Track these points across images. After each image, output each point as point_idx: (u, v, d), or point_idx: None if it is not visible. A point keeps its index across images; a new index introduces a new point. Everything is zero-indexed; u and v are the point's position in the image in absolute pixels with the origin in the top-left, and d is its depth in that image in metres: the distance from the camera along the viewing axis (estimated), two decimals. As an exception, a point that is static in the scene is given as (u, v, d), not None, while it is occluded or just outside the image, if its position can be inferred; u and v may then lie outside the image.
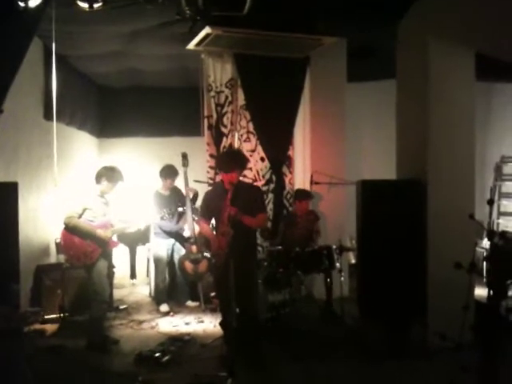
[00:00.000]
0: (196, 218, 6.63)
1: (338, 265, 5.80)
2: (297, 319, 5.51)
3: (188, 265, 6.50)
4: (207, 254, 6.50)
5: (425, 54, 5.10)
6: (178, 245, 6.78)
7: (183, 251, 6.67)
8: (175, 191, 6.80)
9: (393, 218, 5.04)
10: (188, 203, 6.58)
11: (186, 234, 6.62)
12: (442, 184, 5.11)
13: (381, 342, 4.96)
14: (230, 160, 4.61)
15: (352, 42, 6.92)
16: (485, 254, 6.69)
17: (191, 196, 6.67)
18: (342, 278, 5.83)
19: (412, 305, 5.05)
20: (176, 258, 6.77)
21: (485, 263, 6.46)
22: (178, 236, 6.73)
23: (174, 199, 6.73)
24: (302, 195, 6.51)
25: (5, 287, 3.88)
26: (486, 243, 6.88)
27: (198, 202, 6.96)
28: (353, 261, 7.28)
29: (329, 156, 7.14)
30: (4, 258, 4.12)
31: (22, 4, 3.90)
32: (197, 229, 6.59)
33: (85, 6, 4.15)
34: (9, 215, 4.30)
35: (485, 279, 4.96)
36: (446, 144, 5.16)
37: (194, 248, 6.52)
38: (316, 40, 6.38)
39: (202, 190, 6.78)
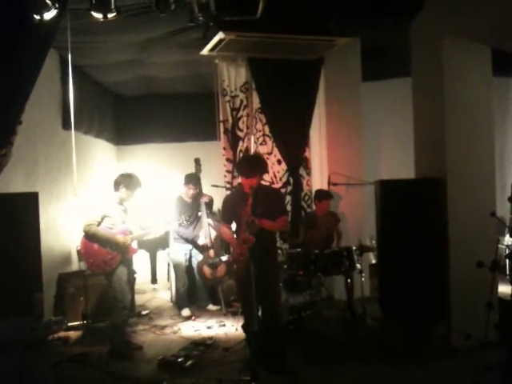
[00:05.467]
0: (212, 224, 6.65)
1: (358, 265, 5.77)
2: (318, 321, 5.49)
3: (206, 269, 6.53)
4: (225, 258, 6.52)
5: (440, 52, 5.06)
6: (195, 250, 6.80)
7: (201, 256, 6.69)
8: (197, 200, 6.76)
9: (413, 217, 5.01)
10: (203, 209, 6.61)
11: (201, 241, 6.63)
12: (461, 182, 5.07)
13: (403, 342, 4.92)
14: (251, 165, 4.59)
15: (366, 41, 6.88)
16: (507, 251, 6.61)
17: (207, 201, 6.69)
18: (363, 279, 5.80)
19: (434, 304, 5.01)
20: (194, 262, 6.80)
21: (507, 260, 6.42)
22: (195, 242, 6.76)
23: (196, 207, 6.75)
24: (322, 195, 6.48)
25: (29, 297, 3.92)
26: (508, 240, 6.79)
27: (214, 208, 7.01)
28: (373, 261, 7.25)
29: (346, 156, 7.11)
30: (27, 267, 4.17)
31: (37, 17, 3.95)
32: (213, 234, 6.62)
33: (99, 16, 4.17)
34: (30, 225, 4.35)
35: (508, 276, 4.91)
36: (465, 141, 5.11)
37: (211, 253, 6.55)
38: (329, 41, 6.37)
39: (220, 194, 6.82)
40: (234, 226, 4.87)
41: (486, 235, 4.88)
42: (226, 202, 4.90)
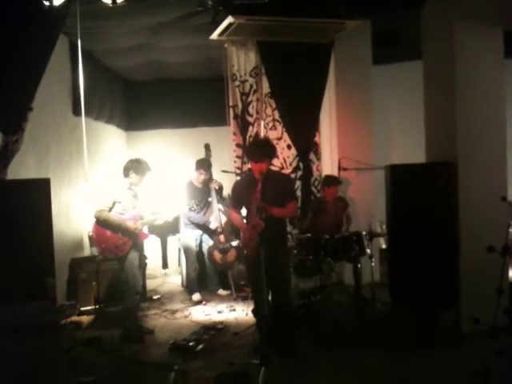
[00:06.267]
0: (222, 209, 6.67)
1: (368, 251, 5.77)
2: (328, 306, 5.52)
3: (216, 254, 6.57)
4: (235, 243, 6.55)
5: (450, 35, 4.99)
6: (206, 235, 6.84)
7: (211, 241, 6.73)
8: (208, 185, 6.77)
9: (423, 202, 4.98)
10: (213, 195, 6.63)
11: (213, 226, 6.66)
12: (472, 166, 5.02)
13: (413, 327, 4.93)
14: (260, 150, 4.57)
15: (376, 24, 6.81)
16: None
17: (216, 188, 6.70)
18: (373, 264, 5.80)
19: (444, 289, 5.00)
20: (204, 248, 6.83)
21: (518, 245, 6.37)
22: (205, 228, 6.79)
23: (206, 192, 6.76)
24: (330, 181, 6.47)
25: (41, 282, 3.97)
26: (519, 225, 6.74)
27: (224, 193, 7.03)
28: (383, 246, 7.25)
29: (356, 141, 7.08)
30: (40, 253, 4.21)
31: (46, 3, 3.95)
32: (223, 219, 6.64)
33: (108, 1, 4.19)
34: (42, 211, 4.37)
35: (519, 262, 4.87)
36: (476, 125, 5.06)
37: (221, 238, 6.58)
38: (339, 24, 6.33)
39: (230, 180, 6.83)
40: (244, 211, 4.89)
41: (497, 220, 4.85)
42: (236, 187, 4.90)
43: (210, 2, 4.49)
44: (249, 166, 5.43)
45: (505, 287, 3.97)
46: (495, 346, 3.51)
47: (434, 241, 4.97)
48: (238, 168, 7.01)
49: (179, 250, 7.74)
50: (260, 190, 4.40)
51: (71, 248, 6.70)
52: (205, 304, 6.55)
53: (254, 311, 4.92)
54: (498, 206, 4.54)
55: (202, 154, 6.80)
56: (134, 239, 5.25)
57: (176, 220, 6.78)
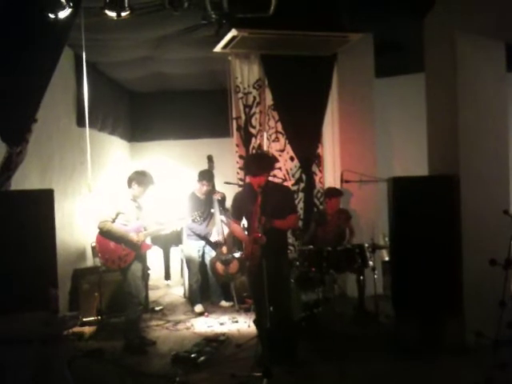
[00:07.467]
0: (225, 221, 6.68)
1: (370, 263, 5.77)
2: (331, 318, 5.50)
3: (219, 266, 6.57)
4: (237, 255, 6.55)
5: (453, 47, 5.02)
6: (208, 246, 6.84)
7: (214, 253, 6.73)
8: (210, 196, 6.78)
9: (425, 215, 4.98)
10: (216, 206, 6.64)
11: (213, 238, 6.67)
12: (475, 179, 5.03)
13: (416, 339, 4.91)
14: (257, 163, 4.56)
15: (379, 36, 6.86)
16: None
17: (219, 198, 6.72)
18: (376, 276, 5.80)
19: (447, 301, 4.98)
20: (207, 259, 6.83)
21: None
22: (207, 239, 6.79)
23: (209, 203, 6.78)
24: (332, 193, 6.48)
25: (44, 292, 3.97)
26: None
27: (227, 205, 7.05)
28: (386, 258, 7.24)
29: (359, 153, 7.09)
30: (42, 263, 4.21)
31: (52, 15, 3.99)
32: (226, 231, 6.64)
33: (113, 14, 4.23)
34: (45, 221, 4.37)
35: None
36: (478, 137, 5.07)
37: (224, 249, 6.58)
38: (342, 37, 6.36)
39: (232, 191, 6.85)
40: (244, 221, 4.89)
41: (500, 233, 4.83)
42: (236, 198, 4.90)
43: (213, 16, 4.51)
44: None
45: (507, 300, 3.96)
46: (498, 359, 3.50)
47: (437, 253, 4.97)
48: (240, 179, 7.02)
49: (182, 261, 7.74)
50: (260, 203, 4.39)
51: (74, 259, 6.71)
52: (207, 315, 6.53)
53: (255, 322, 4.91)
54: (501, 219, 4.53)
55: (204, 166, 6.83)
56: (137, 250, 5.26)
57: (179, 232, 6.79)
